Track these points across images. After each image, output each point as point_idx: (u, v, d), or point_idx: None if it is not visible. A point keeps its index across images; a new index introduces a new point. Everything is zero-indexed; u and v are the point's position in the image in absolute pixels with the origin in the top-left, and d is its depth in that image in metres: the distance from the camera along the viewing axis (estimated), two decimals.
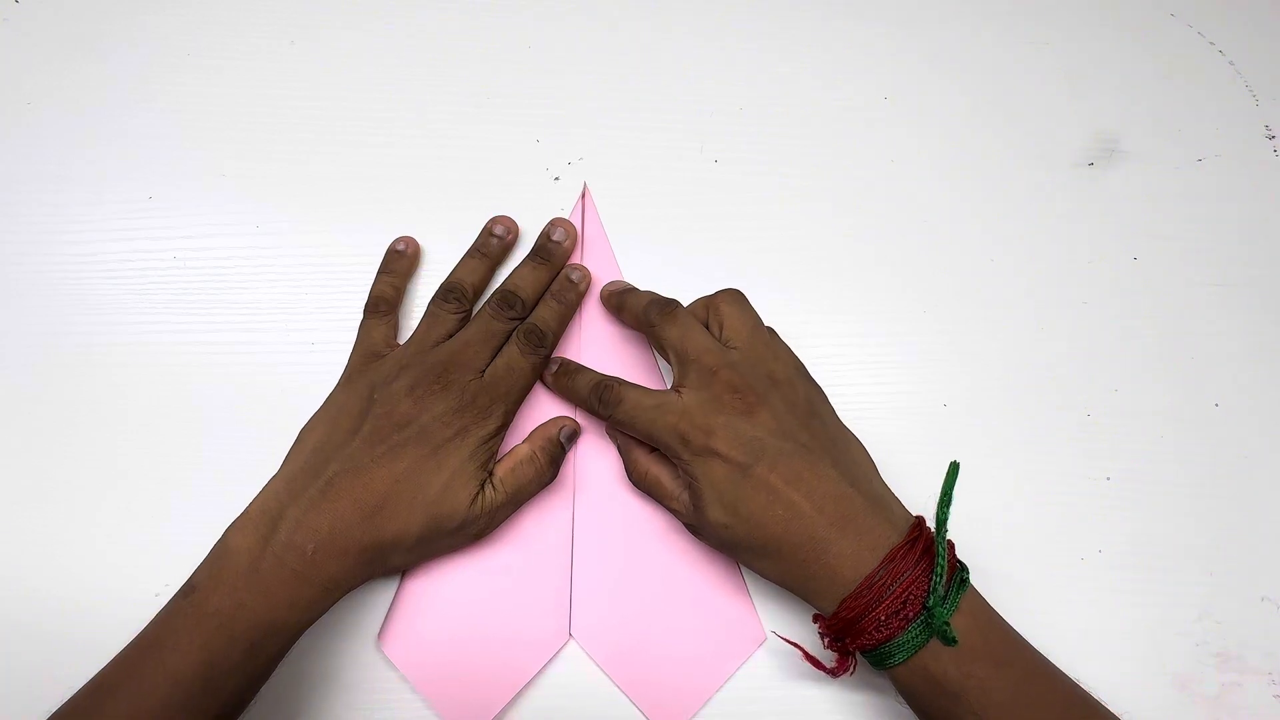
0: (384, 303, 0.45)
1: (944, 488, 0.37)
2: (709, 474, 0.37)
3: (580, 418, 0.45)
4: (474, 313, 0.44)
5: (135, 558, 0.43)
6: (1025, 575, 0.44)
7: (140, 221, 0.48)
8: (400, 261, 0.47)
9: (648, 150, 0.51)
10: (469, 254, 0.46)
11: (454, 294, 0.44)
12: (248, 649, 0.35)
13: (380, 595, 0.42)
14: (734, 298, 0.42)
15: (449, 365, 0.41)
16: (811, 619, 0.38)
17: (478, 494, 0.40)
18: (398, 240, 0.47)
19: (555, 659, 0.41)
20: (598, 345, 0.46)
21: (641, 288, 0.46)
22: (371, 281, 0.46)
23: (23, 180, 0.49)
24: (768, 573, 0.38)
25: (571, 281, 0.46)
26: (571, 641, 0.42)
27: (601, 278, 0.47)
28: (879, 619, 0.35)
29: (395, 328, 0.45)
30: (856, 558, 0.36)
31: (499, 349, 0.43)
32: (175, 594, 0.36)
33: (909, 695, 0.37)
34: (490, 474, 0.41)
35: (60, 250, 0.48)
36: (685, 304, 0.43)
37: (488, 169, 0.49)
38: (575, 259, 0.47)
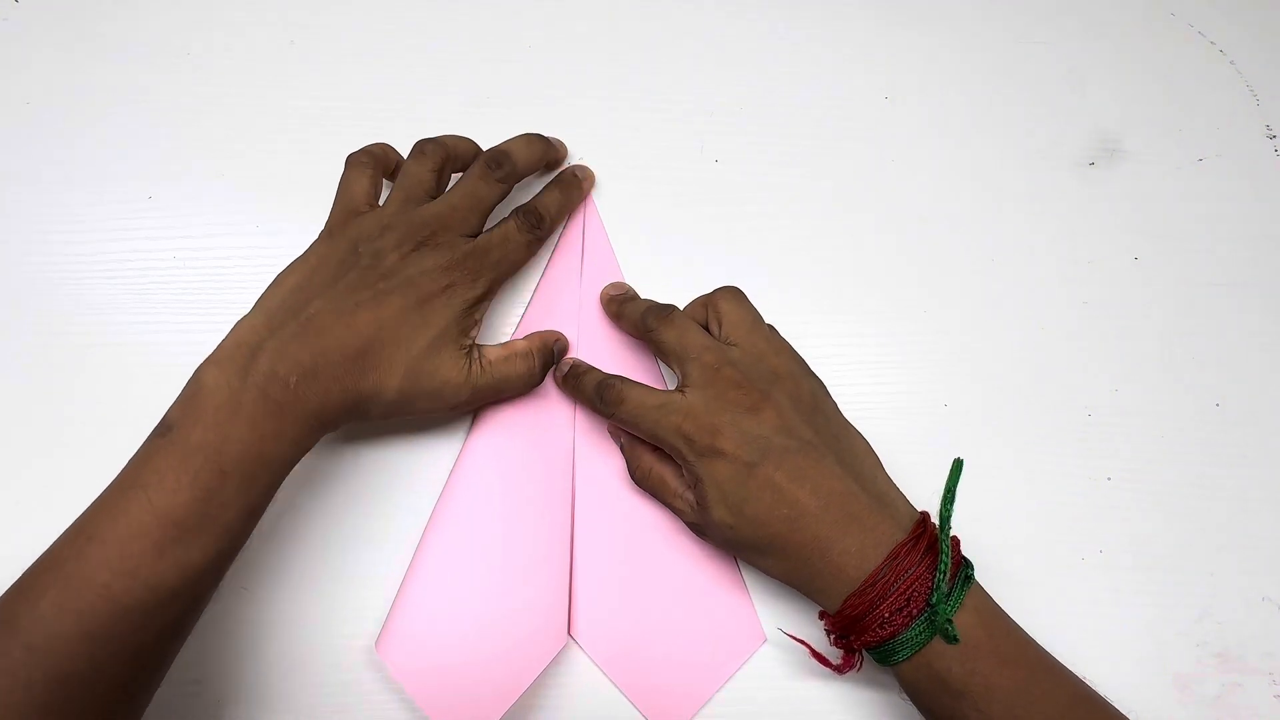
0: (368, 155, 0.43)
1: (948, 484, 0.37)
2: (714, 474, 0.37)
3: (580, 413, 0.45)
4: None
5: None
6: (1025, 575, 0.44)
7: (140, 221, 0.48)
8: (397, 151, 0.45)
9: (648, 150, 0.51)
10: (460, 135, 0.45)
11: (431, 143, 0.43)
12: (240, 481, 0.33)
13: (378, 599, 0.42)
14: (732, 295, 0.42)
15: (437, 226, 0.40)
16: (817, 616, 0.38)
17: (464, 363, 0.40)
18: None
19: (555, 661, 0.41)
20: (597, 345, 0.46)
21: (642, 289, 0.46)
22: None
23: (23, 180, 0.49)
24: (773, 571, 0.38)
25: (577, 177, 0.47)
26: (571, 643, 0.42)
27: (602, 278, 0.47)
28: (883, 616, 0.35)
29: (378, 185, 0.43)
30: (861, 555, 0.36)
31: (486, 216, 0.42)
32: (150, 435, 0.34)
33: (913, 692, 0.37)
34: (479, 349, 0.41)
35: (60, 250, 0.48)
36: (685, 303, 0.43)
37: None
38: (575, 260, 0.47)
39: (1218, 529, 0.45)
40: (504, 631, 0.41)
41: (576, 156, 0.50)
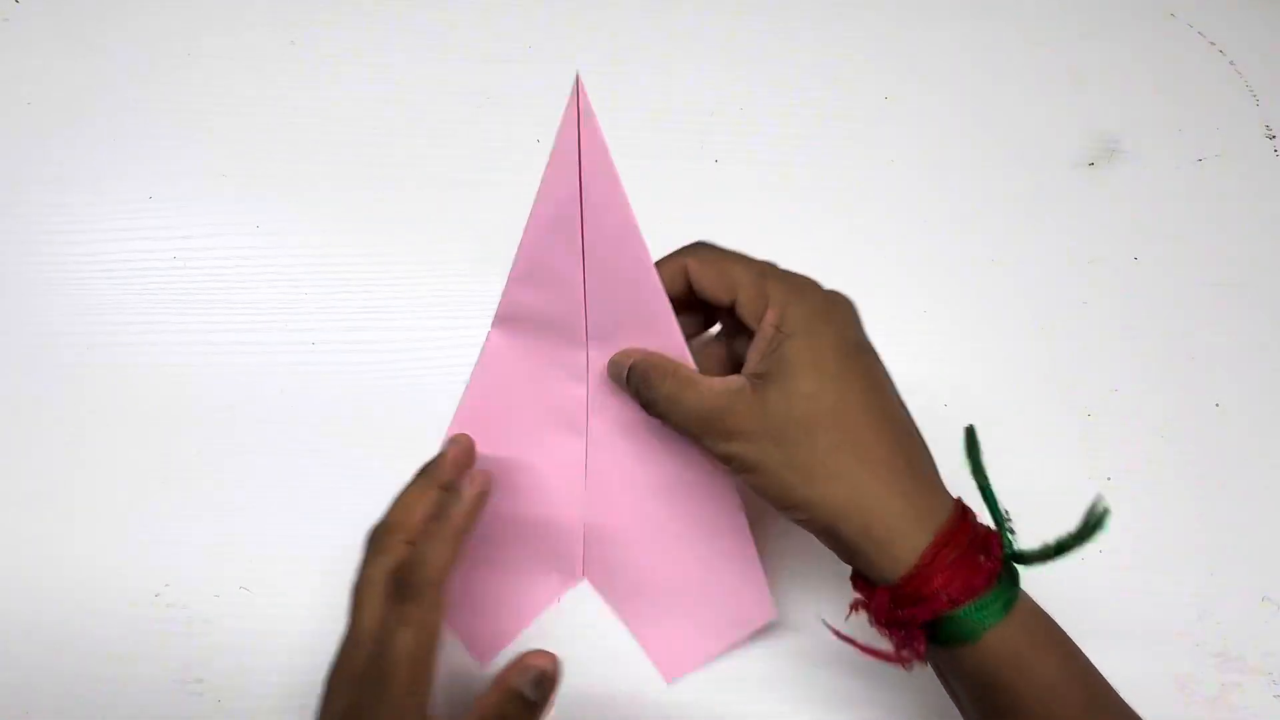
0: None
1: (971, 456, 0.36)
2: (794, 349, 0.33)
3: (594, 352, 0.38)
4: None
5: (136, 557, 0.43)
6: (1025, 575, 0.43)
7: (140, 221, 0.48)
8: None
9: (648, 150, 0.51)
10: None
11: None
12: None
13: None
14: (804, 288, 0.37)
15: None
16: (853, 588, 0.34)
17: None
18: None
19: (566, 600, 0.42)
20: (608, 309, 0.38)
21: None
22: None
23: (23, 180, 0.49)
24: (830, 496, 0.31)
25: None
26: (584, 582, 0.42)
27: (600, 196, 0.35)
28: (952, 583, 0.31)
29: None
30: (928, 510, 0.32)
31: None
32: None
33: (961, 674, 0.33)
34: None
35: (60, 250, 0.48)
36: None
37: (488, 169, 0.49)
38: (566, 177, 0.35)
39: (1218, 529, 0.45)
40: (518, 566, 0.41)
41: None
